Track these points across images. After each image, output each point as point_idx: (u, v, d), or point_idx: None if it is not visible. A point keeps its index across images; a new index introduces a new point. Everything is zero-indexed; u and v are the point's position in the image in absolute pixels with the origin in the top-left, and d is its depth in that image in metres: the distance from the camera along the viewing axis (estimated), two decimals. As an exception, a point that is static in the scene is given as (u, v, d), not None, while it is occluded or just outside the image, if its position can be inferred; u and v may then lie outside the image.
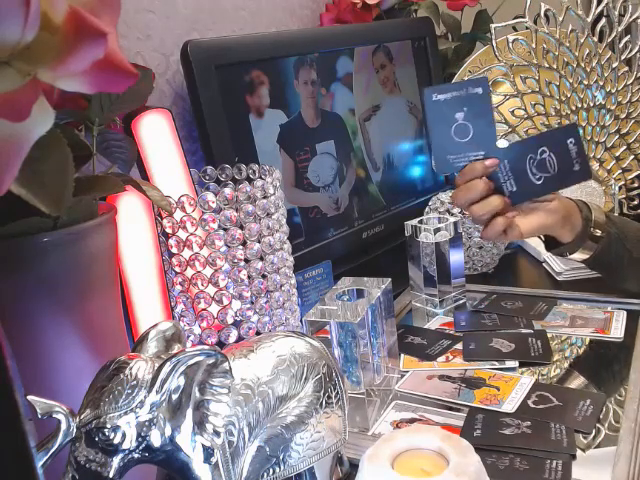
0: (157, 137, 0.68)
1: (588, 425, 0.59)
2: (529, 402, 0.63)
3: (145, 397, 0.40)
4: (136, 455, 0.40)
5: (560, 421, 0.59)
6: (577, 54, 1.07)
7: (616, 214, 1.09)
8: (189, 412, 0.42)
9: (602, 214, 0.79)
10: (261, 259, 0.65)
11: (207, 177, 0.71)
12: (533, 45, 1.05)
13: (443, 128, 0.74)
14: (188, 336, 0.64)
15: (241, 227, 0.63)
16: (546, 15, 1.05)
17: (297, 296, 0.72)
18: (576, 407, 0.61)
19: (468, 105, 0.73)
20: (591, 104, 1.09)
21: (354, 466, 0.54)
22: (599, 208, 0.80)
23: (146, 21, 0.84)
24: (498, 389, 0.66)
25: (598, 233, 0.77)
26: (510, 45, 1.04)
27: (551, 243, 0.81)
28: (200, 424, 0.43)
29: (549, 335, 0.77)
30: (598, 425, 0.59)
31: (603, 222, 0.78)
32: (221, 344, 0.63)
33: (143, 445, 0.40)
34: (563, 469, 0.53)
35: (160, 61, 0.86)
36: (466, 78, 1.08)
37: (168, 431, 0.41)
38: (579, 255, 0.80)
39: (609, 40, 1.08)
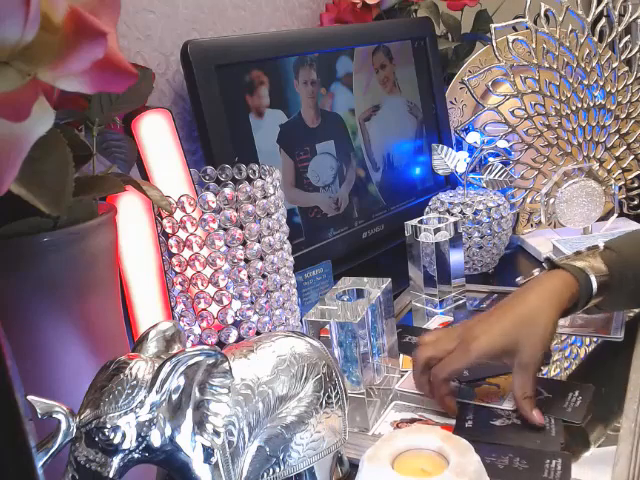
0: (157, 137, 0.68)
1: (578, 416, 0.60)
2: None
3: (145, 397, 0.40)
4: (136, 455, 0.40)
5: (550, 412, 0.60)
6: (577, 54, 1.07)
7: (615, 215, 1.09)
8: (189, 412, 0.42)
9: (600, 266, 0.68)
10: (261, 259, 0.65)
11: (207, 177, 0.72)
12: (533, 45, 1.05)
13: None
14: (188, 336, 0.64)
15: (241, 227, 0.63)
16: (546, 15, 1.05)
17: (297, 296, 0.72)
18: (565, 399, 0.63)
19: None
20: (591, 104, 1.09)
21: (354, 466, 0.54)
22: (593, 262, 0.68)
23: (146, 21, 0.84)
24: (498, 387, 0.66)
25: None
26: (510, 45, 1.04)
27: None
28: (200, 424, 0.43)
29: (549, 335, 0.77)
30: (598, 425, 0.60)
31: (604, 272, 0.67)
32: (221, 344, 0.63)
33: (143, 445, 0.40)
34: (563, 469, 0.53)
35: (160, 61, 0.86)
36: (466, 78, 1.08)
37: (168, 431, 0.41)
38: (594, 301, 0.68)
39: (609, 40, 1.08)
